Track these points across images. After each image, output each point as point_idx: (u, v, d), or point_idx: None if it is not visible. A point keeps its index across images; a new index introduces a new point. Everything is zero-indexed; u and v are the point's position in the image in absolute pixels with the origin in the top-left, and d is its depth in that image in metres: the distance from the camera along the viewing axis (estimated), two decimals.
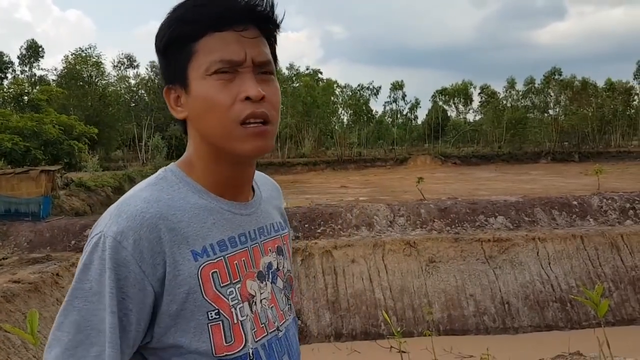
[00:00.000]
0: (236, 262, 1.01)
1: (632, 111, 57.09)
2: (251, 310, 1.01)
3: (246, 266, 1.03)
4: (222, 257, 0.99)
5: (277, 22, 1.02)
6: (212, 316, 0.95)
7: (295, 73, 57.80)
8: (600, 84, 56.92)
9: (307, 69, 59.89)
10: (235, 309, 0.98)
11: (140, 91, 53.02)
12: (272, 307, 1.08)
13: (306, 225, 14.29)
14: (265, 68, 0.99)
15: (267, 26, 1.01)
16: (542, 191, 19.54)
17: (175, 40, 0.97)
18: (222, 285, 0.97)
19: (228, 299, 0.97)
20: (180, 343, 0.94)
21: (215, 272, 0.97)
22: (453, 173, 37.11)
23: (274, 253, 1.13)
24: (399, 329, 3.55)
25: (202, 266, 0.95)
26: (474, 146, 58.67)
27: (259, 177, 1.23)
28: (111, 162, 46.06)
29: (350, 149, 54.86)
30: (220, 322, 0.96)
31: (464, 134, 61.40)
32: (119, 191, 22.69)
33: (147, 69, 54.27)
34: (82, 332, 0.89)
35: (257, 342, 1.01)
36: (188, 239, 0.95)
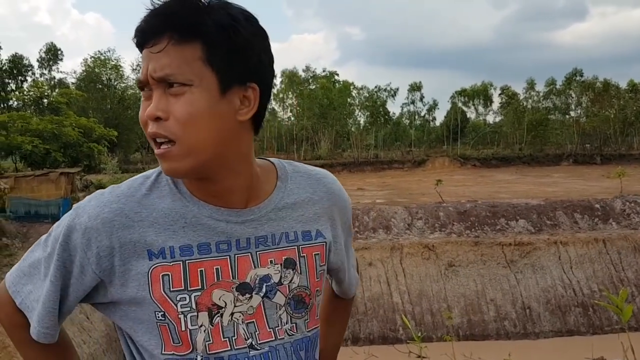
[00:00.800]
0: (202, 269, 0.96)
1: None
2: (211, 321, 0.96)
3: (219, 275, 0.97)
4: (180, 262, 0.95)
5: (192, 22, 0.87)
6: (158, 317, 0.95)
7: (311, 75, 57.85)
8: (623, 85, 56.00)
9: (324, 71, 59.91)
10: (185, 316, 0.95)
11: None
12: (249, 323, 1.00)
13: None
14: (171, 81, 0.88)
15: (185, 32, 0.87)
16: (564, 194, 19.22)
17: None
18: (172, 289, 0.95)
19: (177, 305, 0.94)
20: (136, 330, 0.98)
21: (167, 275, 0.95)
22: (472, 175, 36.69)
23: (278, 265, 1.03)
24: (418, 334, 3.43)
25: (153, 267, 0.94)
26: (494, 148, 57.93)
27: (302, 178, 1.10)
28: (130, 164, 46.41)
29: (367, 151, 54.58)
30: (167, 324, 0.95)
31: (484, 135, 60.76)
32: None
33: None
34: (33, 268, 1.01)
35: (210, 354, 0.96)
36: (147, 239, 0.95)
